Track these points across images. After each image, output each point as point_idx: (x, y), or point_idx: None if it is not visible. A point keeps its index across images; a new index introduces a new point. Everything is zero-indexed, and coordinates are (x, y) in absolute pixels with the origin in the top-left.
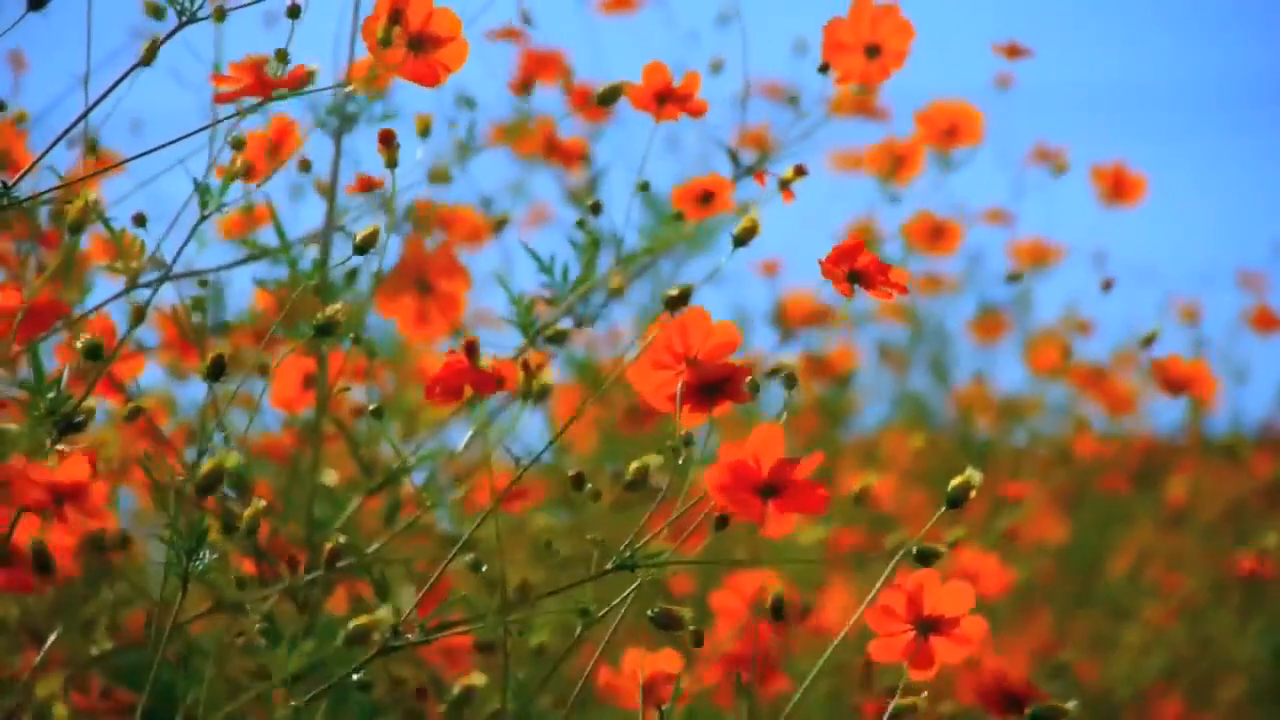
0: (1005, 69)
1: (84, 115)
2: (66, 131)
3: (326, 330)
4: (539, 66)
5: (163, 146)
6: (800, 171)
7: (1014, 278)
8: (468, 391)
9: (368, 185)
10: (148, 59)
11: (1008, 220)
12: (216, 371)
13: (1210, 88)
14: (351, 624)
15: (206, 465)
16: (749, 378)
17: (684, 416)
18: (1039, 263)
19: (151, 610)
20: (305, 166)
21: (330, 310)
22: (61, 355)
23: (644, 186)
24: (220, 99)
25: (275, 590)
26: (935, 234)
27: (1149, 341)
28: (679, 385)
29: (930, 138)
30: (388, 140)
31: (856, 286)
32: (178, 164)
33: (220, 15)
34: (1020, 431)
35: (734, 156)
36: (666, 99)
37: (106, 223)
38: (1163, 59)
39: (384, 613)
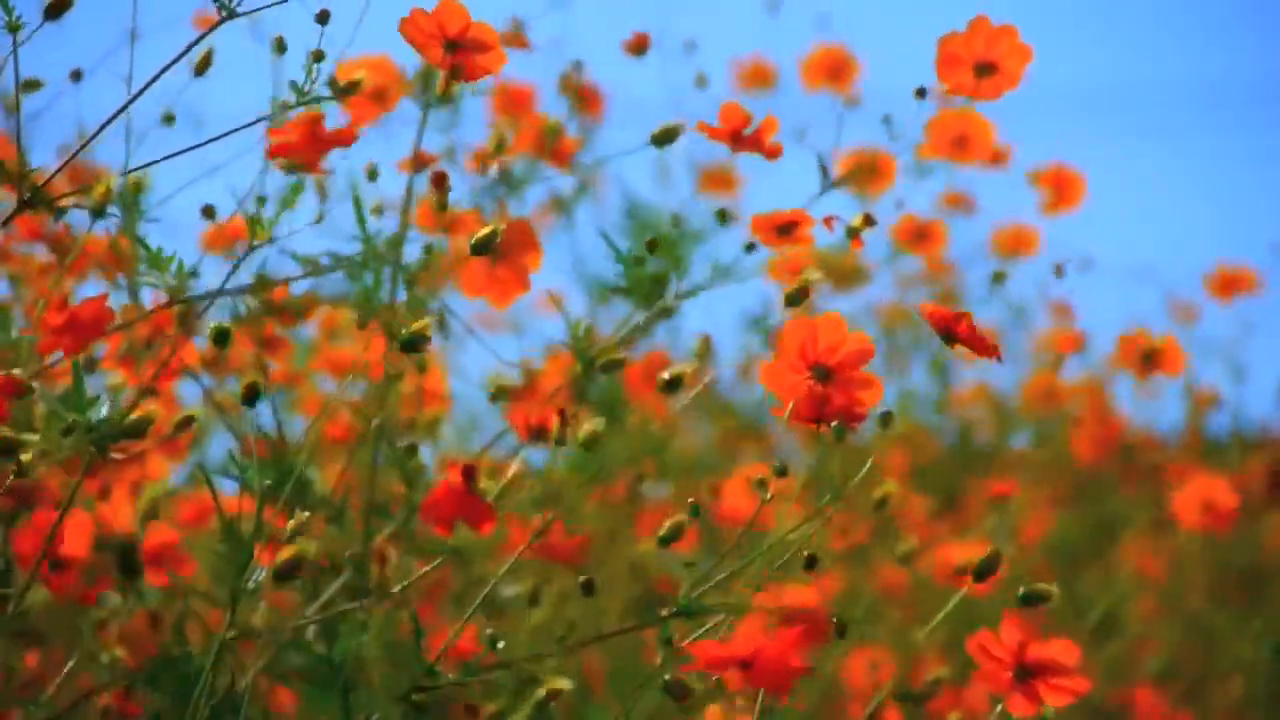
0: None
1: (123, 108)
2: (105, 125)
3: (413, 346)
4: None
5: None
6: (869, 221)
7: (998, 278)
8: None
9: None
10: (201, 68)
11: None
12: (252, 397)
13: (1210, 88)
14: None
15: (286, 552)
16: (859, 419)
17: (794, 426)
18: (1015, 252)
19: (167, 620)
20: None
21: (419, 325)
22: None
23: (722, 216)
24: (273, 153)
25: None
26: (919, 235)
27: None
28: (789, 406)
29: (940, 148)
30: (440, 183)
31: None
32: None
33: (282, 48)
34: (1018, 434)
35: (824, 170)
36: (740, 140)
37: (143, 241)
38: (1162, 59)
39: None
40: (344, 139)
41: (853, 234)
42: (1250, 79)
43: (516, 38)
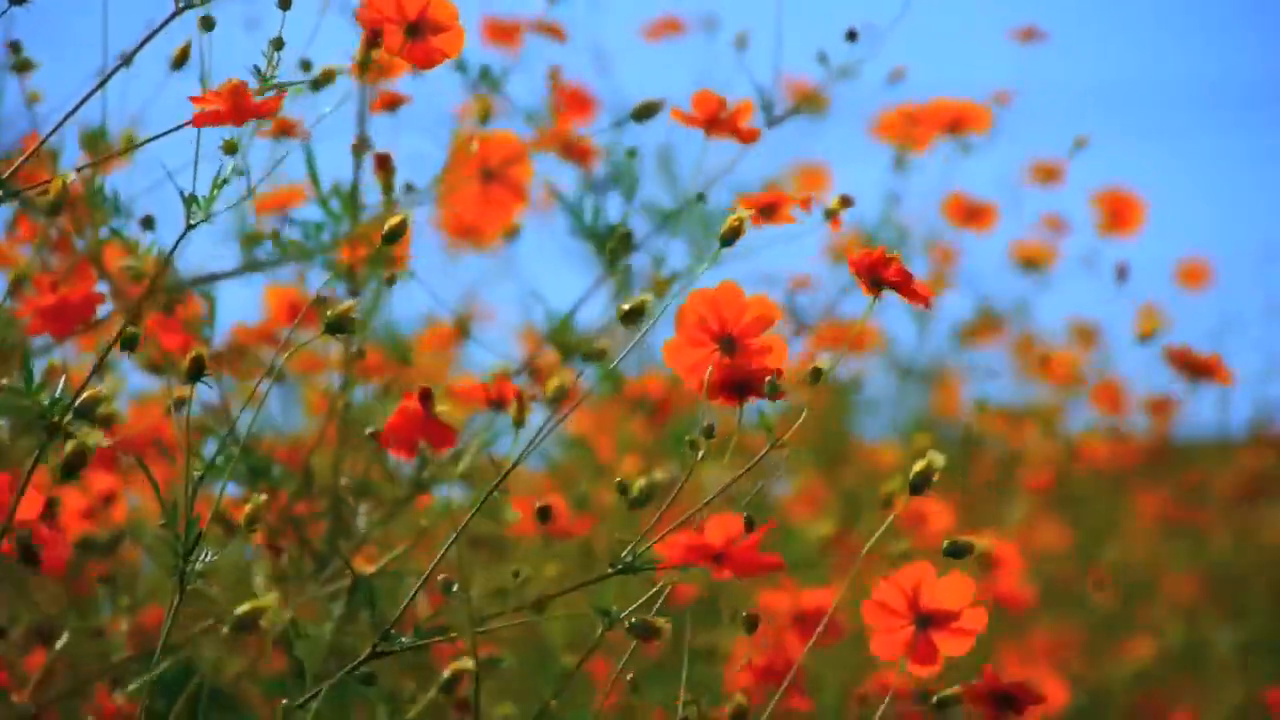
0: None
1: (83, 102)
2: (63, 121)
3: (338, 327)
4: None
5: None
6: (846, 202)
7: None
8: (421, 444)
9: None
10: (179, 62)
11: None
12: (196, 373)
13: (1210, 88)
14: (238, 610)
15: (69, 446)
16: (770, 378)
17: (716, 401)
18: (1036, 263)
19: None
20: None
21: (343, 306)
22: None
23: (701, 197)
24: (196, 121)
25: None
26: (970, 214)
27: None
28: (707, 373)
29: (938, 128)
30: (385, 164)
31: (883, 291)
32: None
33: (208, 25)
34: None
35: (769, 107)
36: (716, 124)
37: (117, 231)
38: (1163, 59)
39: (270, 599)
40: (269, 108)
41: (830, 215)
42: (1250, 79)
43: (551, 27)
